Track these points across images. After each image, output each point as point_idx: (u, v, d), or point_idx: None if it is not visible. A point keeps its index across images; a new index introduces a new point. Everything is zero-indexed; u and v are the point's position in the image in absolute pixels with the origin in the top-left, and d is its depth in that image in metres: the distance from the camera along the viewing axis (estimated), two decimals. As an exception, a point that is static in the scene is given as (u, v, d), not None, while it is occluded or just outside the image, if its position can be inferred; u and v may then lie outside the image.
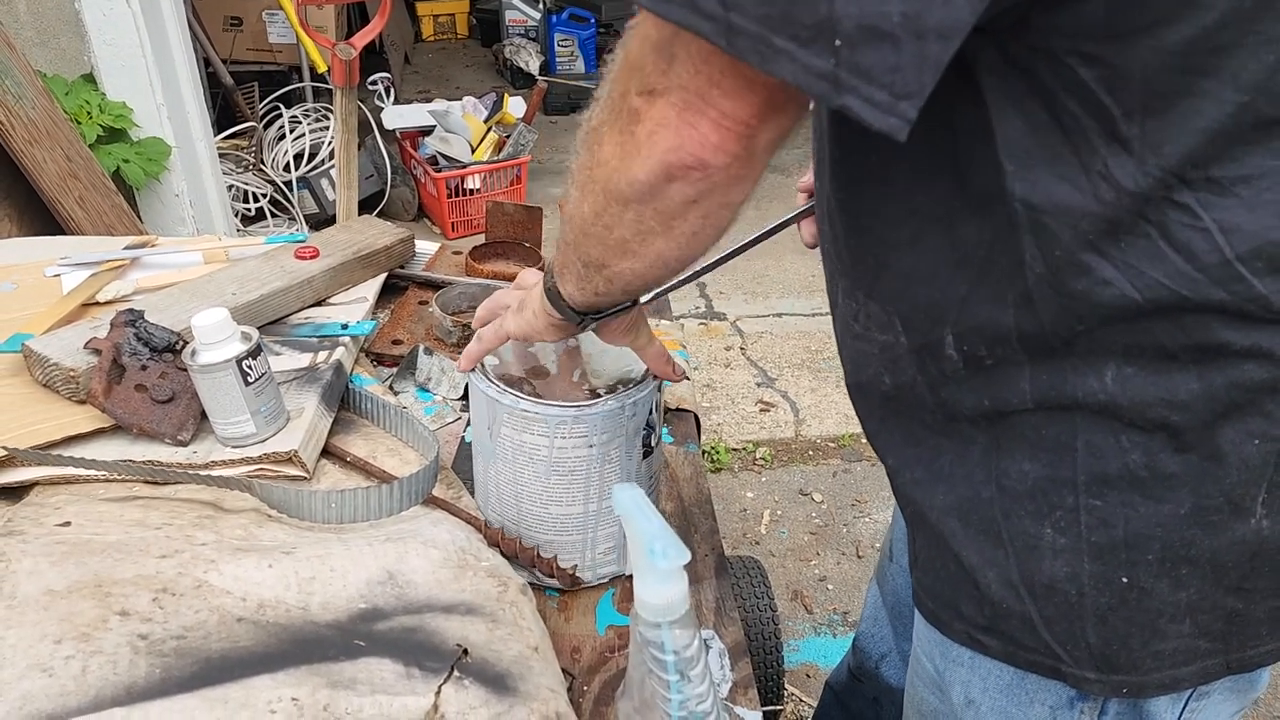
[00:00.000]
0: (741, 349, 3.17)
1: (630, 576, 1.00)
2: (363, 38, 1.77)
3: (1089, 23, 0.48)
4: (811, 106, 0.70)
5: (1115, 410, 0.59)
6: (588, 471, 0.89)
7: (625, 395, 0.88)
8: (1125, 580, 0.63)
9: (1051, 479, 0.63)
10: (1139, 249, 0.53)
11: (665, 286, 1.06)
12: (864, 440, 2.70)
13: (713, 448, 2.64)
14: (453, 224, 3.88)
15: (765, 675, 1.55)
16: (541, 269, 1.37)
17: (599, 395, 0.89)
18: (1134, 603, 0.63)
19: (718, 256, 1.02)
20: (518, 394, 0.87)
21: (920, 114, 0.46)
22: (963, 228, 0.58)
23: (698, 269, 1.05)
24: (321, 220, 3.68)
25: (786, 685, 1.85)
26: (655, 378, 0.91)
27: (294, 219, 3.67)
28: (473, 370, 0.90)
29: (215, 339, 0.96)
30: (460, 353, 1.29)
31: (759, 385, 2.98)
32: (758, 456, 2.65)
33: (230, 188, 3.40)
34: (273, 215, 3.65)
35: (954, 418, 0.66)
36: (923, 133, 0.48)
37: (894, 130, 0.46)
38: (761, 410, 2.85)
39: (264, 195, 3.60)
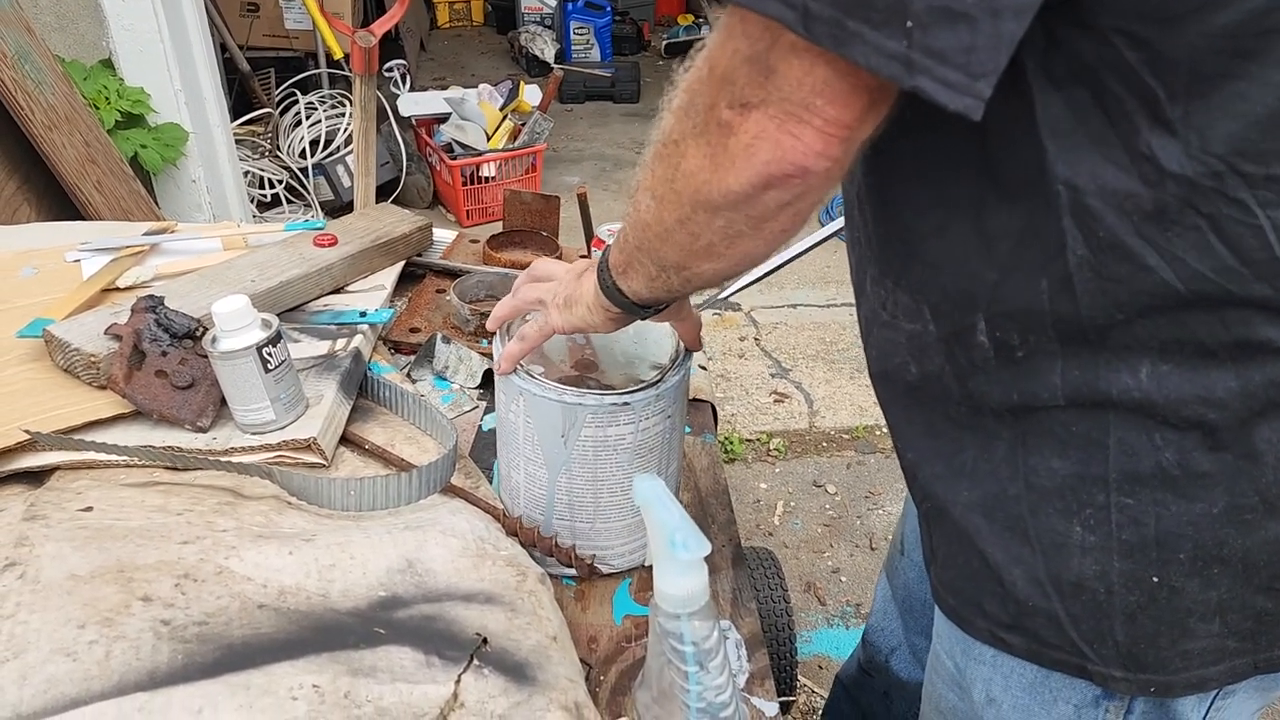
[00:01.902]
0: (756, 340, 3.16)
1: (646, 566, 1.00)
2: (382, 25, 1.77)
3: (1141, 2, 0.47)
4: None
5: (1150, 408, 0.58)
6: (664, 445, 0.92)
7: (681, 363, 0.91)
8: (1155, 579, 0.62)
9: (1082, 476, 0.62)
10: (1187, 240, 0.52)
11: (741, 284, 1.09)
12: (878, 432, 2.70)
13: (726, 438, 2.64)
14: (468, 211, 3.88)
15: (779, 666, 1.56)
16: (559, 258, 1.37)
17: (592, 381, 0.91)
18: (1164, 602, 0.63)
19: (781, 260, 1.06)
20: (598, 392, 0.86)
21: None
22: (996, 212, 0.58)
23: (769, 268, 1.09)
24: (337, 207, 3.69)
25: (799, 676, 1.85)
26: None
27: (309, 206, 3.68)
28: (534, 386, 0.86)
29: (236, 326, 0.96)
30: (478, 340, 1.30)
31: (773, 376, 2.97)
32: (771, 447, 2.65)
33: (246, 174, 3.40)
34: (288, 202, 3.66)
35: (979, 411, 0.66)
36: (956, 126, 0.48)
37: (970, 110, 0.46)
38: (775, 401, 2.85)
39: (280, 182, 3.61)
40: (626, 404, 0.85)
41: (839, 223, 1.06)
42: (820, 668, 1.98)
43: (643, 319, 0.80)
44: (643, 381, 0.88)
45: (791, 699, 1.71)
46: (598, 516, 0.93)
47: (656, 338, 0.95)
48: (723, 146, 0.55)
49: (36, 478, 0.94)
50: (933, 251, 0.62)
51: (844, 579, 2.21)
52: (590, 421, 0.86)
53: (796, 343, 3.14)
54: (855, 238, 0.74)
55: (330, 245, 1.33)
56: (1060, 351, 0.59)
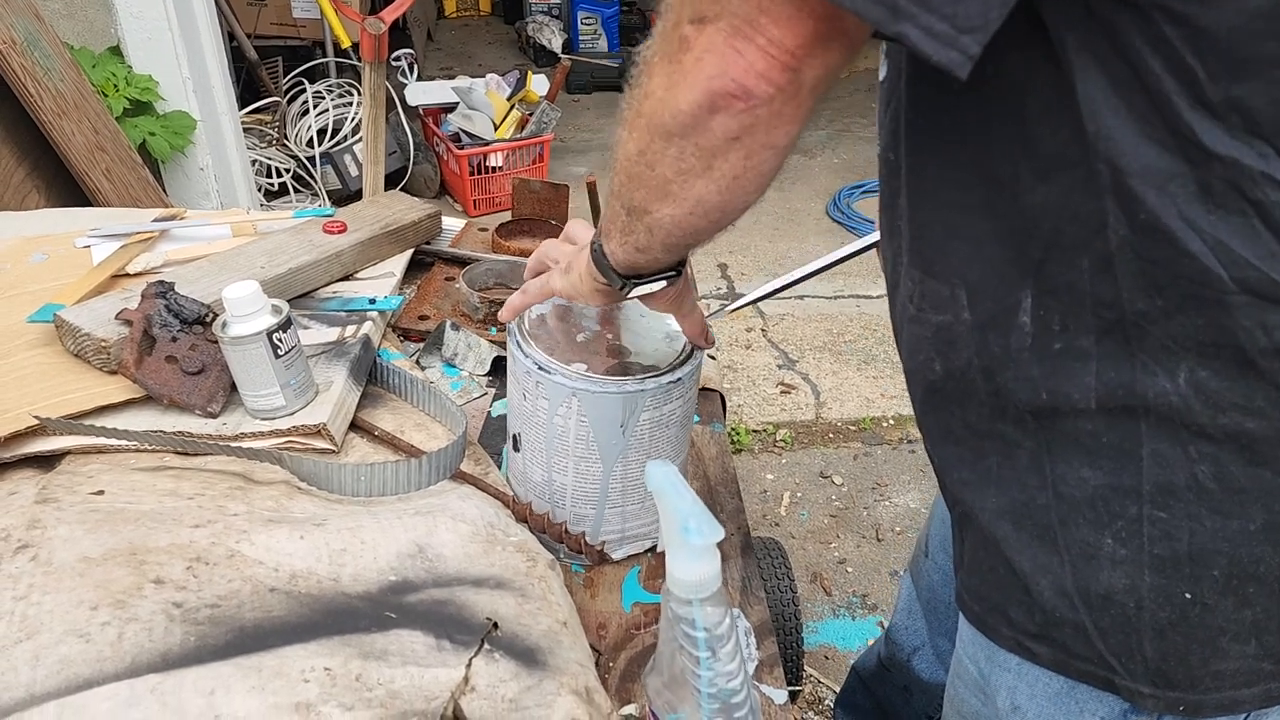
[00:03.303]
0: (763, 330, 3.16)
1: (655, 552, 1.00)
2: (393, 11, 1.76)
3: None
4: (881, 77, 0.68)
5: (1186, 415, 0.56)
6: (691, 414, 0.94)
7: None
8: (1188, 595, 0.60)
9: (1114, 487, 0.60)
10: (1232, 225, 0.51)
11: (758, 295, 1.09)
12: (885, 424, 2.70)
13: (733, 429, 2.64)
14: (474, 201, 3.88)
15: (785, 656, 1.56)
16: (558, 236, 1.37)
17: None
18: (1195, 619, 0.61)
19: (785, 281, 1.07)
20: (654, 375, 0.87)
21: (996, 71, 0.45)
22: (1034, 190, 0.56)
23: (767, 291, 1.09)
24: (344, 196, 3.69)
25: (805, 666, 1.85)
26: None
27: (316, 194, 3.68)
28: (591, 384, 0.85)
29: (246, 311, 0.96)
30: (486, 328, 1.30)
31: (780, 367, 2.97)
32: (778, 438, 2.64)
33: (254, 162, 3.41)
34: (295, 190, 3.66)
35: (1002, 414, 0.64)
36: (998, 92, 0.47)
37: (954, 65, 0.45)
38: (782, 392, 2.85)
39: (287, 170, 3.61)
40: (679, 380, 0.87)
41: (867, 239, 1.06)
42: (826, 658, 1.98)
43: (623, 294, 0.77)
44: (673, 352, 0.90)
45: (798, 689, 1.71)
46: (649, 495, 0.94)
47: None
48: (678, 63, 0.54)
49: (48, 462, 0.94)
50: (978, 227, 0.60)
51: (850, 570, 2.21)
52: (649, 405, 0.87)
53: (804, 334, 3.13)
54: (892, 227, 0.71)
55: (340, 232, 1.33)
56: (1095, 350, 0.58)
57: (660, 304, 0.81)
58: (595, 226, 1.47)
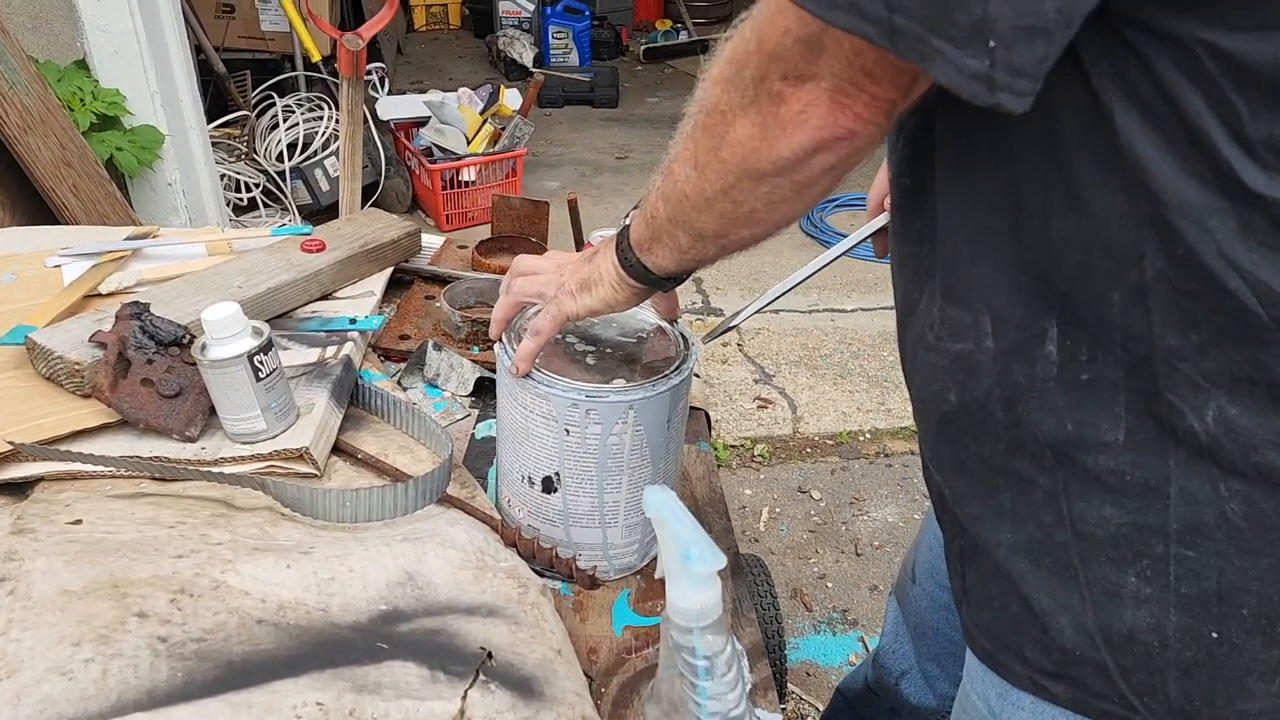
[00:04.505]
0: (739, 345, 3.16)
1: (643, 574, 0.99)
2: (371, 28, 1.75)
3: (1233, 4, 0.45)
4: None
5: (1216, 453, 0.55)
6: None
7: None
8: (1215, 635, 0.60)
9: (1138, 526, 0.59)
10: (1273, 264, 0.50)
11: (750, 311, 1.11)
12: (862, 438, 2.70)
13: (711, 444, 2.63)
14: (447, 216, 3.85)
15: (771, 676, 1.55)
16: (536, 253, 1.36)
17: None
18: (1222, 659, 0.60)
19: (772, 296, 1.09)
20: (677, 360, 0.90)
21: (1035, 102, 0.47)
22: (1068, 220, 0.55)
23: (755, 309, 1.12)
24: (315, 210, 3.65)
25: (788, 684, 1.84)
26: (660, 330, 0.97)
27: (287, 209, 3.64)
28: (643, 392, 0.86)
29: (226, 334, 0.94)
30: (469, 347, 1.29)
31: (756, 382, 2.97)
32: (756, 454, 2.64)
33: (223, 177, 3.36)
34: (265, 205, 3.62)
35: (1019, 449, 0.63)
36: (1031, 118, 0.48)
37: (1027, 106, 0.47)
38: (759, 407, 2.85)
39: (257, 185, 3.56)
40: (696, 355, 0.92)
41: (855, 237, 1.08)
42: (808, 674, 1.98)
43: (665, 290, 0.82)
44: (635, 334, 0.95)
45: (782, 706, 1.70)
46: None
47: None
48: (774, 115, 0.57)
49: (19, 489, 0.91)
50: (1005, 252, 0.59)
51: (830, 585, 2.21)
52: (685, 390, 0.90)
53: (779, 348, 3.14)
54: (910, 251, 0.69)
55: (318, 251, 1.31)
56: (1124, 382, 0.57)
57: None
58: (577, 244, 1.47)
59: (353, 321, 1.22)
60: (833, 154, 0.58)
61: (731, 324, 1.12)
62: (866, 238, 1.10)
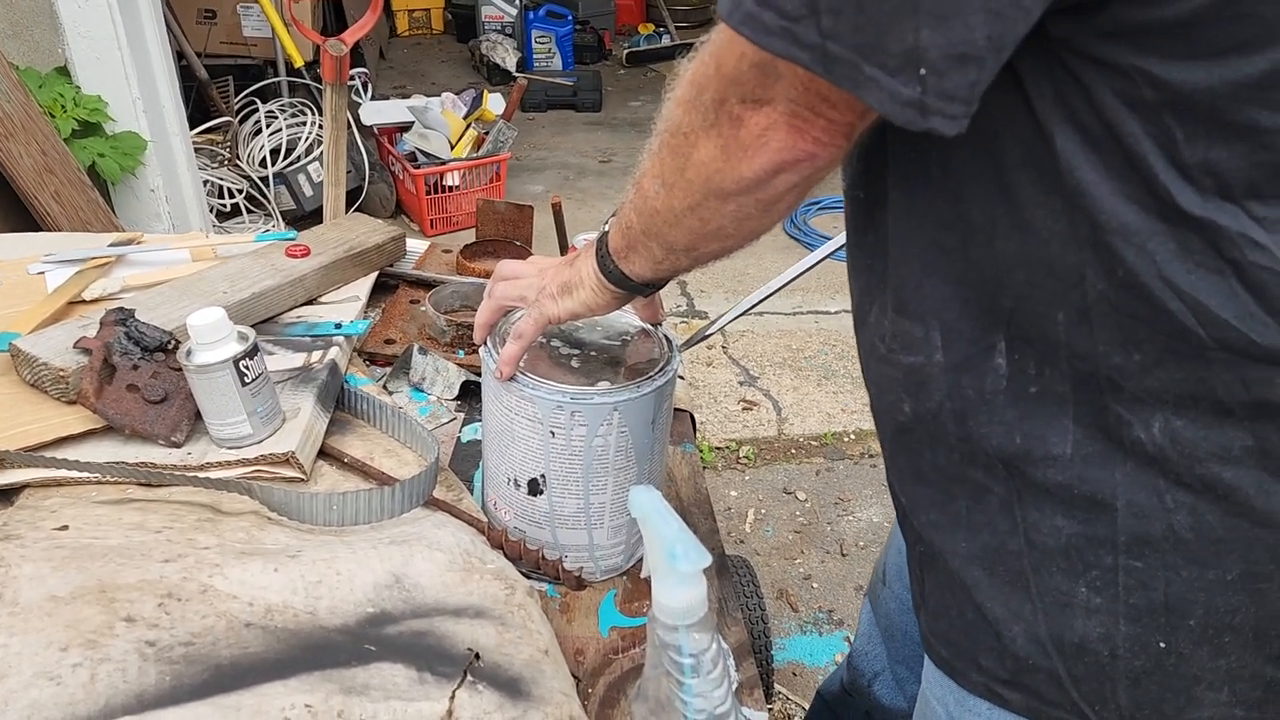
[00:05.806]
0: (723, 348, 3.17)
1: (629, 575, 0.99)
2: (355, 33, 1.75)
3: (1167, 34, 0.46)
4: None
5: (1162, 464, 0.56)
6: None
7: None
8: (1163, 645, 0.60)
9: (1088, 537, 0.60)
10: (1210, 285, 0.51)
11: (732, 316, 1.12)
12: (846, 439, 2.72)
13: (696, 446, 2.64)
14: (431, 220, 3.85)
15: (757, 674, 1.56)
16: (520, 257, 1.37)
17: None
18: (1170, 668, 0.61)
19: (774, 287, 1.10)
20: (661, 360, 0.91)
21: (976, 115, 0.47)
22: (1012, 239, 0.56)
23: (737, 313, 1.13)
24: (298, 216, 3.64)
25: (774, 684, 1.85)
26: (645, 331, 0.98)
27: (270, 215, 3.63)
28: (627, 393, 0.86)
29: (212, 339, 0.94)
30: (454, 351, 1.29)
31: (741, 384, 2.98)
32: (741, 455, 2.65)
33: (206, 183, 3.35)
34: (248, 211, 3.61)
35: (972, 459, 0.63)
36: (977, 137, 0.48)
37: (962, 128, 0.48)
38: (744, 409, 2.86)
39: (240, 191, 3.56)
40: (679, 358, 0.92)
41: (835, 243, 1.09)
42: (795, 674, 1.99)
43: (645, 296, 0.83)
44: (618, 335, 0.95)
45: (769, 706, 1.71)
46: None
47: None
48: (734, 138, 0.58)
49: (5, 496, 0.91)
50: (955, 268, 0.60)
51: (816, 585, 2.22)
52: (669, 391, 0.90)
53: (764, 350, 3.15)
54: (863, 263, 0.70)
55: (303, 256, 1.31)
56: (1072, 395, 0.57)
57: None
58: (561, 248, 1.48)
59: (338, 326, 1.23)
60: (795, 174, 0.59)
61: (707, 332, 1.13)
62: None
